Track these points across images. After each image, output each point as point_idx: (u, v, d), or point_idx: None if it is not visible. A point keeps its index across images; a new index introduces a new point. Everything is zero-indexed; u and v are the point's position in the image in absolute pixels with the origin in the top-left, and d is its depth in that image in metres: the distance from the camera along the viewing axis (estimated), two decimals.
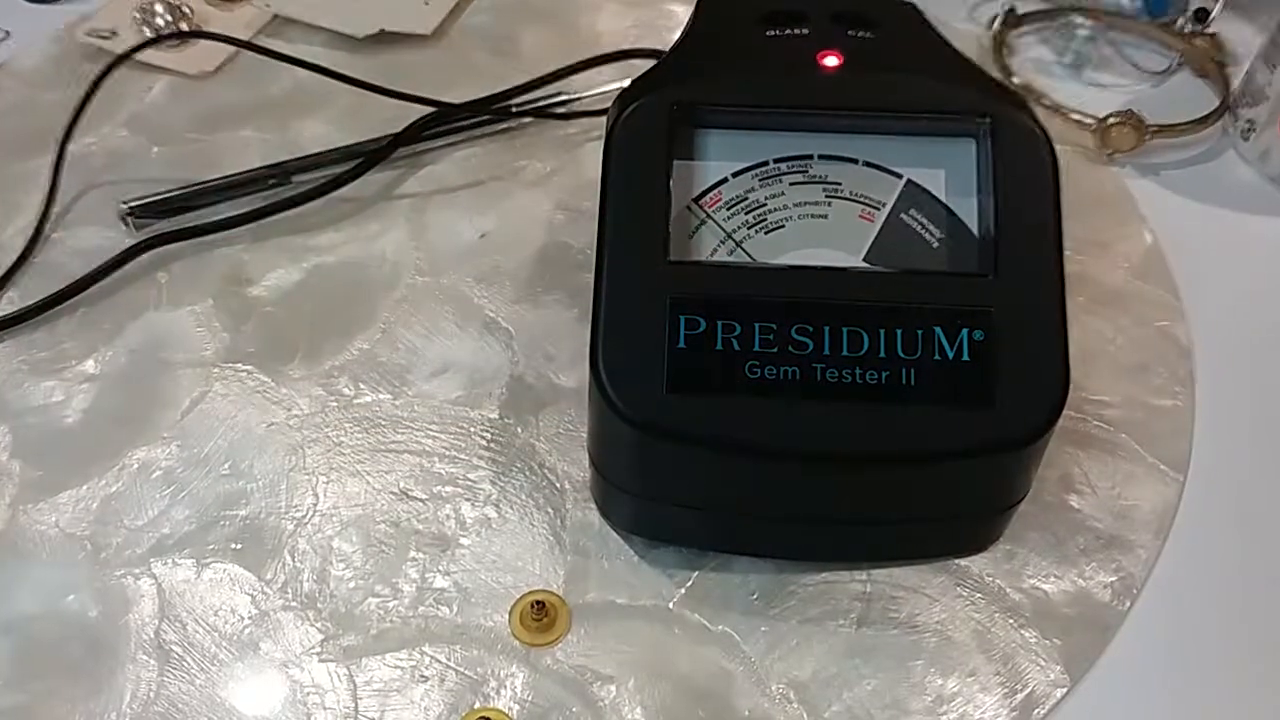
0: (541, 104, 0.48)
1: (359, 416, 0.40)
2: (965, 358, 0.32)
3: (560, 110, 0.48)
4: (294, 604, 0.35)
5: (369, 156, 0.46)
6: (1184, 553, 0.37)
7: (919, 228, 0.35)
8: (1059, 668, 0.34)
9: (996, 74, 0.50)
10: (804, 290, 0.33)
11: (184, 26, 0.52)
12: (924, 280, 0.34)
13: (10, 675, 0.34)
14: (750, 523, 0.36)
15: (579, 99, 0.48)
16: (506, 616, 0.35)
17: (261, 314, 0.43)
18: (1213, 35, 0.52)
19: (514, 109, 0.47)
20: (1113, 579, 0.36)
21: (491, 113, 0.47)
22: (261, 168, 0.46)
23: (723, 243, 0.35)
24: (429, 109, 0.47)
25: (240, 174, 0.46)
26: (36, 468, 0.38)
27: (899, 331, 0.33)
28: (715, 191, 0.35)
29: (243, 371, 0.41)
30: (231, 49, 0.52)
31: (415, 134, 0.46)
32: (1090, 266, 0.44)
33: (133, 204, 0.44)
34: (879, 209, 0.35)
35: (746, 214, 0.35)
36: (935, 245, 0.35)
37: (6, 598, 0.35)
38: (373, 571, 0.36)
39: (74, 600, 0.35)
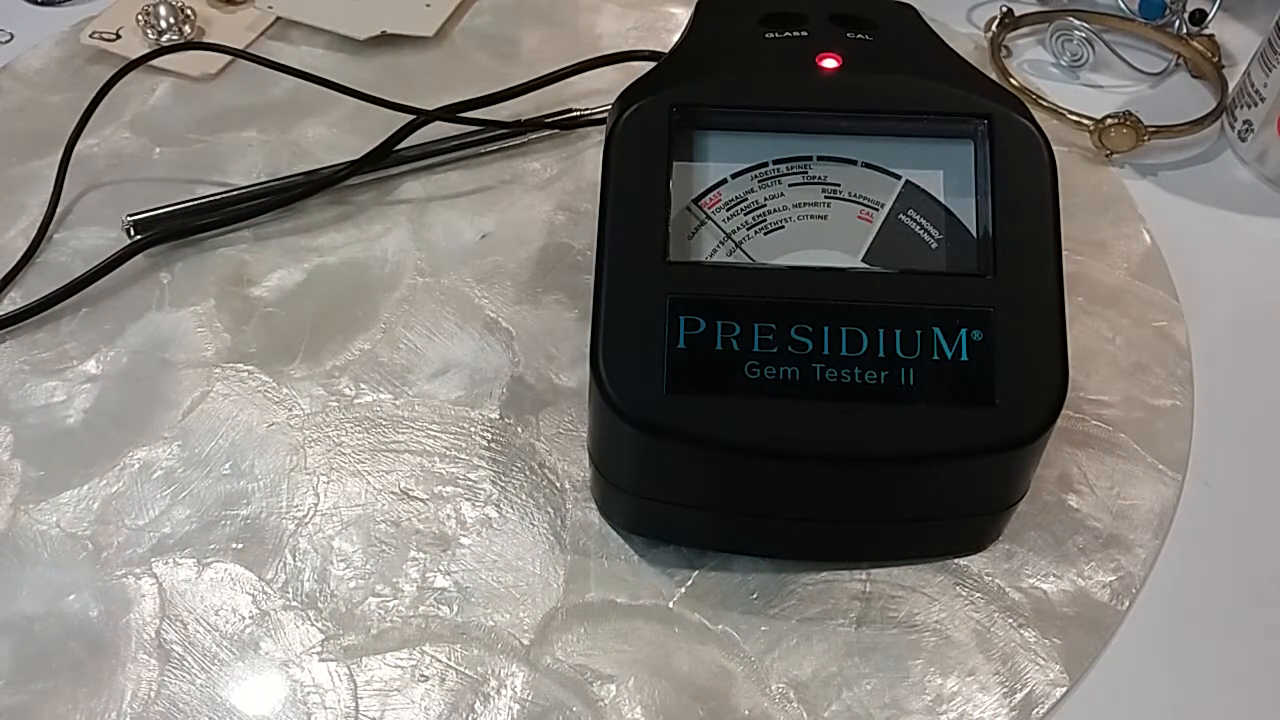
0: (549, 119, 0.48)
1: (360, 416, 0.40)
2: (964, 357, 0.33)
3: (565, 120, 0.48)
4: (295, 603, 0.35)
5: (369, 156, 0.46)
6: (1183, 552, 0.37)
7: (918, 228, 0.35)
8: (1058, 667, 0.34)
9: (994, 76, 0.50)
10: (803, 290, 0.33)
11: (187, 29, 0.53)
12: (923, 280, 0.34)
13: (11, 675, 0.34)
14: (750, 523, 0.36)
15: (588, 113, 0.48)
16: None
17: (263, 314, 0.43)
18: (1210, 36, 0.52)
19: (522, 123, 0.47)
20: (1112, 578, 0.36)
21: (500, 127, 0.47)
22: (263, 183, 0.46)
23: (722, 243, 0.35)
24: (426, 114, 0.47)
25: (243, 189, 0.46)
26: (38, 467, 0.39)
27: (898, 331, 0.33)
28: (715, 192, 0.35)
29: (244, 372, 0.41)
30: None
31: (399, 140, 0.46)
32: (1088, 266, 0.44)
33: (136, 218, 0.44)
34: (878, 210, 0.35)
35: (746, 215, 0.35)
36: (934, 246, 0.35)
37: (7, 598, 0.36)
38: (373, 571, 0.36)
39: (75, 600, 0.35)
